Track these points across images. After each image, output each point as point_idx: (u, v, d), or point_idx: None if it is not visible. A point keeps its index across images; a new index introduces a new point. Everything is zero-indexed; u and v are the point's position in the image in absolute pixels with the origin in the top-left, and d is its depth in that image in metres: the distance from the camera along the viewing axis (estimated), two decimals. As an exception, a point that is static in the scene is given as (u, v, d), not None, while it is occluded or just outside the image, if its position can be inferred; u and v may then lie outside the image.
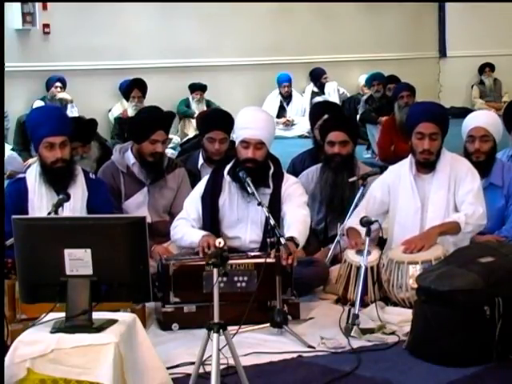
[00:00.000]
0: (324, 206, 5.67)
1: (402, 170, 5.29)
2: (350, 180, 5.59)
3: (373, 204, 5.26)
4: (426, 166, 5.20)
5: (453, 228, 5.00)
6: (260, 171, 4.98)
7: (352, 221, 5.26)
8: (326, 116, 6.08)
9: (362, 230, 4.92)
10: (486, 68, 15.16)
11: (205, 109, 11.38)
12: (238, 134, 5.06)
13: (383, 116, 10.21)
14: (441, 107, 5.66)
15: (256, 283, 4.57)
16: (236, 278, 4.68)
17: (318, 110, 6.63)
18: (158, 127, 5.44)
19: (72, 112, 10.37)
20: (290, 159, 6.42)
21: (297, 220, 4.87)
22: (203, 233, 4.91)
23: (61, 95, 10.81)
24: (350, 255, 5.04)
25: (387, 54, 14.33)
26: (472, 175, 5.16)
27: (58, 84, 11.04)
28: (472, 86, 15.36)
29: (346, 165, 5.61)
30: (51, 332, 3.42)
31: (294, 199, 5.01)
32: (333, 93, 13.70)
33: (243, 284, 4.69)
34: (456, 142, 5.92)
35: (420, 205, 5.16)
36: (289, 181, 5.12)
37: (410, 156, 5.29)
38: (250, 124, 4.99)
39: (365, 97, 12.10)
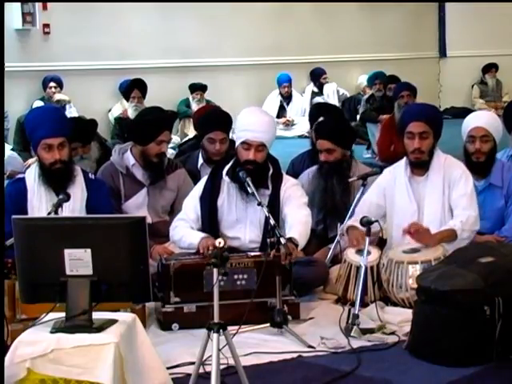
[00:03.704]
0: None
1: (397, 172, 5.28)
2: (350, 180, 5.61)
3: (369, 208, 5.23)
4: (419, 165, 5.18)
5: (450, 236, 5.00)
6: (259, 172, 4.97)
7: (351, 220, 5.26)
8: (321, 118, 6.09)
9: (363, 229, 4.93)
10: (492, 68, 15.13)
11: (205, 109, 11.37)
12: (239, 135, 5.03)
13: (384, 115, 10.20)
14: (433, 108, 5.62)
15: (256, 281, 4.59)
16: (236, 276, 4.69)
17: (316, 112, 6.64)
18: (164, 128, 5.46)
19: (70, 113, 10.38)
20: (289, 159, 6.42)
21: (298, 221, 4.85)
22: (202, 235, 4.90)
23: (58, 96, 10.80)
24: (350, 255, 5.04)
25: (387, 54, 14.33)
26: (466, 178, 5.14)
27: (52, 84, 11.04)
28: (472, 86, 15.35)
29: (335, 171, 5.61)
30: (51, 332, 3.42)
31: (295, 200, 5.00)
32: (332, 94, 13.69)
33: (243, 282, 4.70)
34: (456, 142, 5.91)
35: (416, 207, 5.15)
36: (288, 182, 5.10)
37: (405, 158, 5.28)
38: (253, 126, 4.95)
39: (366, 96, 12.08)
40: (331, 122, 5.88)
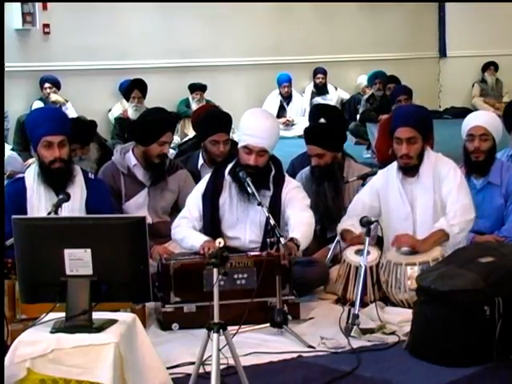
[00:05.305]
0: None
1: (390, 174, 5.28)
2: (350, 180, 5.62)
3: (362, 208, 5.22)
4: (408, 170, 5.18)
5: (441, 236, 4.97)
6: (261, 174, 4.96)
7: (345, 224, 5.26)
8: (321, 120, 6.09)
9: (358, 231, 4.94)
10: (491, 66, 15.12)
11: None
12: (241, 138, 5.02)
13: (383, 114, 10.19)
14: (420, 110, 5.58)
15: (256, 280, 4.59)
16: (236, 276, 4.69)
17: (315, 113, 6.63)
18: (166, 129, 5.47)
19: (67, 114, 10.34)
20: (289, 159, 6.41)
21: (301, 223, 4.83)
22: (204, 238, 4.87)
23: (54, 97, 10.77)
24: (350, 255, 5.04)
25: (387, 54, 14.33)
26: (454, 172, 5.13)
27: (47, 85, 11.02)
28: (473, 85, 15.34)
29: (326, 175, 5.62)
30: (51, 332, 3.42)
31: (297, 203, 4.98)
32: (334, 98, 13.66)
33: (243, 281, 4.70)
34: (456, 142, 5.91)
35: (410, 209, 5.15)
36: (290, 184, 5.08)
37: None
38: (255, 132, 4.90)
39: (366, 96, 12.08)
40: (319, 128, 5.86)
